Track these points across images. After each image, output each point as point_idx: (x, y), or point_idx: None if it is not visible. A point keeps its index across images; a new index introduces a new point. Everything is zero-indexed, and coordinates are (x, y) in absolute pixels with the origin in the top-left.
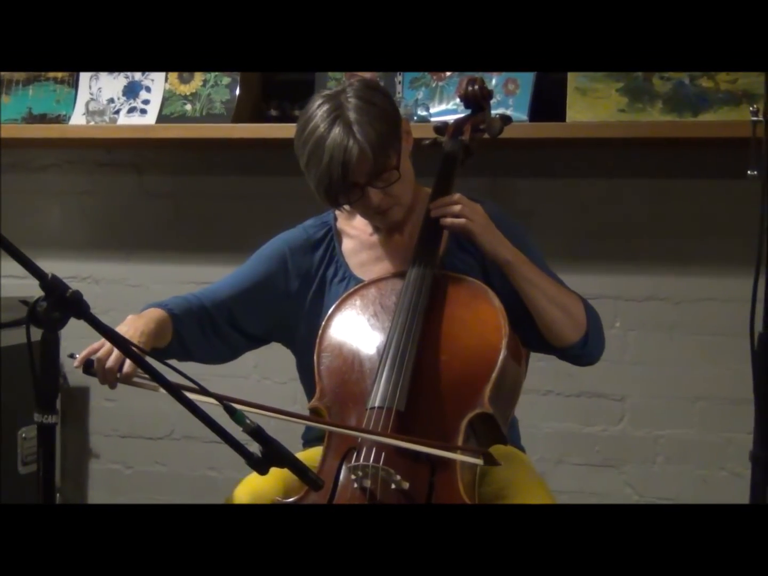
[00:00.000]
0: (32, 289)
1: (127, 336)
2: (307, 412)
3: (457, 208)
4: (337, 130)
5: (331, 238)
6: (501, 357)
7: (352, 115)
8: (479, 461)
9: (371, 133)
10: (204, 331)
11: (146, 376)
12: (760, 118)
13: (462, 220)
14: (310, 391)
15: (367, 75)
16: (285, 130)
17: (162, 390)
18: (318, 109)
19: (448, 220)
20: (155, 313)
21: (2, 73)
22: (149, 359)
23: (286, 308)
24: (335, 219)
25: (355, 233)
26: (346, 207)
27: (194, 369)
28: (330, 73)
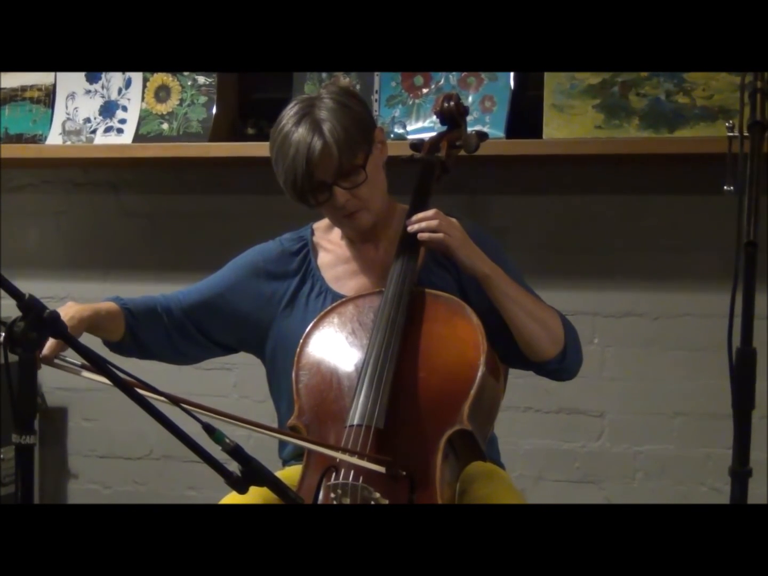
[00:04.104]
0: (9, 309)
1: None
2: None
3: (434, 223)
4: (304, 127)
5: (307, 251)
6: (480, 373)
7: (322, 114)
8: (381, 469)
9: (338, 131)
10: (168, 332)
11: (70, 360)
12: (736, 133)
13: (440, 235)
14: (276, 402)
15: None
16: (262, 149)
17: (84, 374)
18: (291, 110)
19: (426, 235)
20: (101, 304)
21: None
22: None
23: (256, 316)
24: (312, 233)
25: (332, 247)
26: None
27: (172, 387)
28: (306, 92)
